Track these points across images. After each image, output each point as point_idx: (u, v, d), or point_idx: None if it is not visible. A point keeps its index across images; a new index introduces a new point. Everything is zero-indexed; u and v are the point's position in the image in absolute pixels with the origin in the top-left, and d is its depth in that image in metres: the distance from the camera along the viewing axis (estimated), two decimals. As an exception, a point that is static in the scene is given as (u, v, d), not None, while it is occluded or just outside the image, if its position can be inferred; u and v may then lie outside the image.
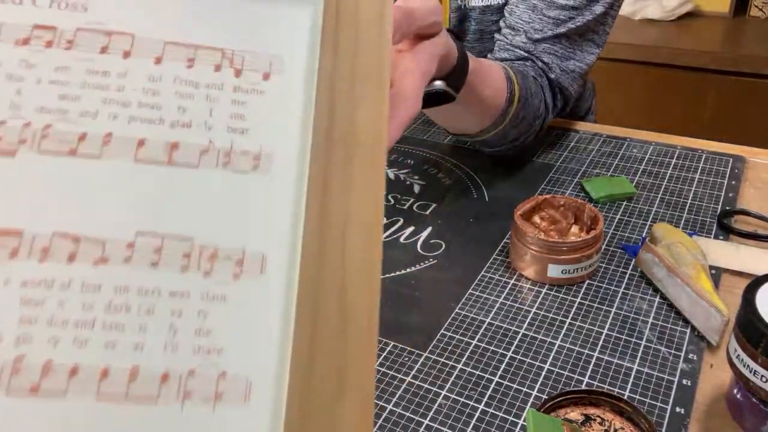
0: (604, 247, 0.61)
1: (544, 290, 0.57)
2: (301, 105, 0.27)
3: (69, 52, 0.26)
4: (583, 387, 0.47)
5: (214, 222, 0.25)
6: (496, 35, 0.77)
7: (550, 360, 0.49)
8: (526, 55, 0.73)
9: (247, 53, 0.27)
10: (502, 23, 0.76)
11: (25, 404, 0.22)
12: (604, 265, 0.59)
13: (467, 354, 0.50)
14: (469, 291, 0.57)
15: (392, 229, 0.67)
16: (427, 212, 0.69)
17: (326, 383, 0.23)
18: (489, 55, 0.76)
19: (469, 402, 0.46)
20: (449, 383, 0.48)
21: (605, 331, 0.52)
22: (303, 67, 0.27)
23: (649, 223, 0.65)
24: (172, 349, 0.23)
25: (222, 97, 0.26)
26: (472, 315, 0.54)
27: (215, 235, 0.24)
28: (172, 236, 0.24)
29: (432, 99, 0.57)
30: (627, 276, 0.58)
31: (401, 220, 0.68)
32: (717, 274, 0.57)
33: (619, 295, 0.56)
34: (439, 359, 0.50)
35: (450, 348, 0.51)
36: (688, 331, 0.51)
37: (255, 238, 0.25)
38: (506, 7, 0.76)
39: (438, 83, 0.55)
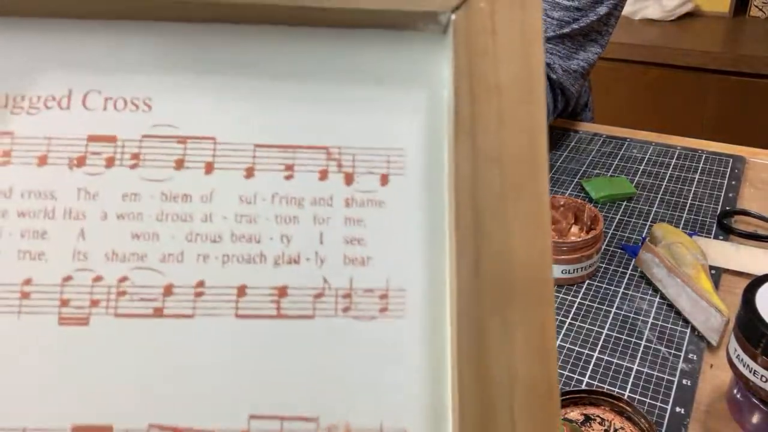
0: (604, 247, 0.61)
1: (544, 290, 0.57)
2: (433, 219, 0.20)
3: (136, 170, 0.20)
4: (583, 387, 0.47)
5: (341, 392, 0.19)
6: None
7: (550, 360, 0.49)
8: None
9: (357, 149, 0.21)
10: None
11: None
12: (604, 265, 0.59)
13: (467, 354, 0.50)
14: (469, 291, 0.57)
15: (392, 229, 0.66)
16: (427, 212, 0.69)
17: None
18: None
19: (469, 402, 0.46)
20: (449, 383, 0.48)
21: (605, 331, 0.52)
22: (430, 166, 0.21)
23: (649, 223, 0.65)
24: None
25: (333, 216, 0.20)
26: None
27: (345, 412, 0.19)
28: (293, 418, 0.19)
29: None
30: (627, 276, 0.58)
31: (401, 220, 0.68)
32: (717, 274, 0.57)
33: (619, 295, 0.56)
34: (439, 359, 0.50)
35: (450, 348, 0.51)
36: (688, 331, 0.51)
37: (396, 410, 0.19)
38: None
39: None
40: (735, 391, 0.44)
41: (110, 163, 0.20)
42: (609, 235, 0.64)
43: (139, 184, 0.20)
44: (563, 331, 0.52)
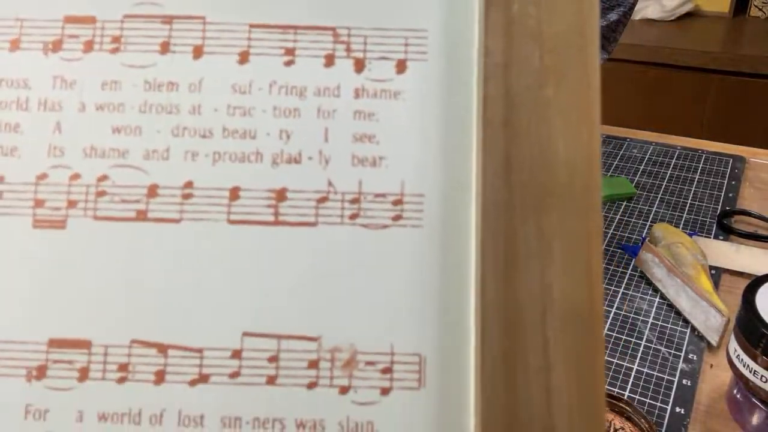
0: (604, 247, 0.61)
1: (544, 290, 0.57)
2: (458, 113, 0.17)
3: (117, 55, 0.18)
4: (583, 387, 0.47)
5: (346, 310, 0.17)
6: None
7: (550, 360, 0.49)
8: None
9: (369, 31, 0.18)
10: None
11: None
12: (604, 265, 0.59)
13: (467, 354, 0.50)
14: (469, 291, 0.57)
15: (392, 229, 0.66)
16: (427, 212, 0.69)
17: None
18: None
19: (469, 402, 0.46)
20: (449, 383, 0.48)
21: (605, 331, 0.52)
22: (456, 49, 0.17)
23: (649, 223, 0.65)
24: None
25: (340, 109, 0.18)
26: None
27: (350, 331, 0.17)
28: (292, 336, 0.17)
29: None
30: (627, 276, 0.58)
31: (401, 220, 0.68)
32: (717, 274, 0.57)
33: (619, 295, 0.56)
34: (439, 359, 0.50)
35: (450, 348, 0.51)
36: (688, 331, 0.51)
37: (406, 332, 0.17)
38: None
39: None
40: (735, 391, 0.44)
41: (88, 47, 0.18)
42: (609, 235, 0.64)
43: (120, 70, 0.18)
44: (563, 331, 0.52)
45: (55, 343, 0.17)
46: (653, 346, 0.50)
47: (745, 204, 0.68)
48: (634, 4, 0.74)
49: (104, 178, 0.17)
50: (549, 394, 0.15)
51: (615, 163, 0.76)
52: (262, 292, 0.17)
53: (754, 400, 0.41)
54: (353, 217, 0.17)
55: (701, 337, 0.50)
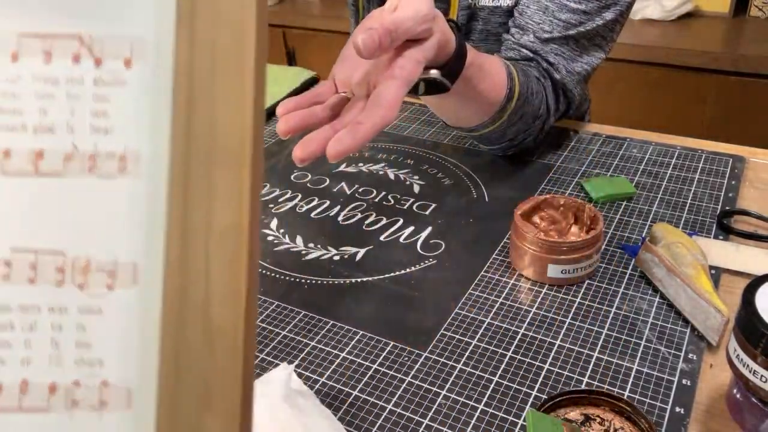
0: (604, 247, 0.61)
1: (543, 290, 0.57)
2: (162, 98, 0.25)
3: None
4: (583, 387, 0.47)
5: (85, 233, 0.25)
6: (504, 35, 0.77)
7: (550, 360, 0.49)
8: (531, 55, 0.73)
9: (106, 37, 0.25)
10: (510, 23, 0.77)
11: None
12: (604, 265, 0.59)
13: (467, 354, 0.50)
14: (469, 291, 0.57)
15: (392, 229, 0.67)
16: (427, 212, 0.69)
17: (192, 398, 0.24)
18: (496, 55, 0.76)
19: (468, 402, 0.46)
20: (449, 383, 0.48)
21: (605, 331, 0.52)
22: (161, 52, 0.25)
23: (649, 223, 0.65)
24: (56, 362, 0.24)
25: (83, 94, 0.25)
26: (471, 315, 0.54)
27: (87, 247, 0.25)
28: (46, 251, 0.24)
29: (426, 87, 0.57)
30: (627, 276, 0.58)
31: (401, 220, 0.68)
32: (717, 274, 0.57)
33: (619, 295, 0.56)
34: (439, 359, 0.50)
35: (450, 348, 0.51)
36: (688, 331, 0.51)
37: (126, 247, 0.25)
38: (516, 7, 0.76)
39: (433, 72, 0.55)
40: (735, 391, 0.44)
41: None
42: (609, 235, 0.64)
43: None
44: (563, 331, 0.52)
45: None
46: (653, 346, 0.50)
47: (745, 204, 0.68)
48: (631, 3, 0.74)
49: None
50: (207, 283, 0.24)
51: (615, 163, 0.76)
52: (25, 220, 0.25)
53: (754, 400, 0.41)
54: (90, 169, 0.25)
55: (701, 337, 0.50)
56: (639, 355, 0.49)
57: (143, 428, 0.24)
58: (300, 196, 0.73)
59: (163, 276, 0.24)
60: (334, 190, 0.74)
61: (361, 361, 0.50)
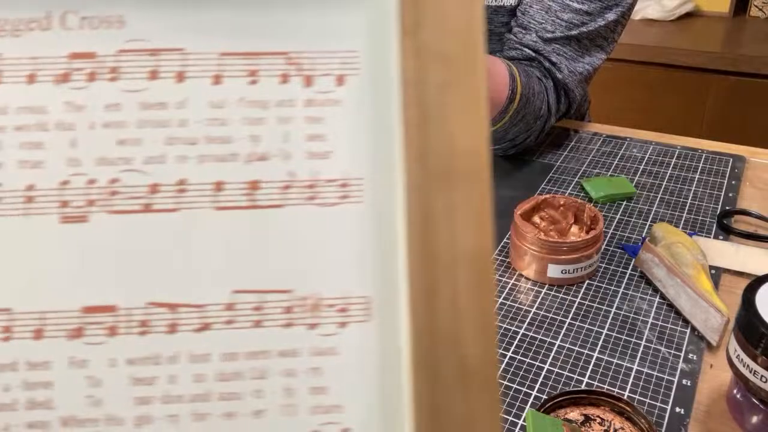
0: (604, 247, 0.61)
1: (544, 290, 0.57)
2: (386, 115, 0.23)
3: (115, 83, 0.22)
4: (583, 387, 0.47)
5: (310, 267, 0.22)
6: (506, 34, 0.77)
7: (550, 360, 0.49)
8: (533, 54, 0.73)
9: (314, 53, 0.23)
10: (513, 23, 0.77)
11: None
12: (604, 265, 0.59)
13: (467, 354, 0.50)
14: (469, 291, 0.57)
15: (392, 229, 0.66)
16: (427, 212, 0.69)
17: None
18: (497, 55, 0.76)
19: (469, 402, 0.46)
20: (449, 383, 0.48)
21: (605, 331, 0.52)
22: (379, 66, 0.23)
23: (649, 223, 0.65)
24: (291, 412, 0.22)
25: (295, 116, 0.23)
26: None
27: (314, 283, 0.22)
28: (270, 291, 0.22)
29: None
30: (627, 276, 0.58)
31: (401, 220, 0.68)
32: (717, 274, 0.57)
33: (619, 295, 0.56)
34: (439, 359, 0.50)
35: (450, 348, 0.51)
36: (688, 331, 0.51)
37: (357, 280, 0.22)
38: (519, 7, 0.76)
39: None
40: (735, 391, 0.44)
41: (92, 77, 0.22)
42: (609, 235, 0.64)
43: (119, 95, 0.22)
44: (563, 331, 0.52)
45: (88, 310, 0.22)
46: (653, 346, 0.50)
47: (745, 204, 0.68)
48: (632, 4, 0.74)
49: (115, 180, 0.22)
50: (457, 314, 0.21)
51: (615, 162, 0.76)
52: (244, 259, 0.22)
53: (754, 400, 0.41)
54: (311, 198, 0.23)
55: (701, 337, 0.50)
56: (639, 355, 0.49)
57: None
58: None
59: (407, 309, 0.21)
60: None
61: (361, 361, 0.50)
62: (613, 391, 0.46)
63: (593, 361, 0.49)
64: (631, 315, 0.53)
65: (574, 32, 0.72)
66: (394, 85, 0.22)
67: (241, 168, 0.22)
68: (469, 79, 0.22)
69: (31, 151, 0.22)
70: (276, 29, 0.23)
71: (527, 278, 0.58)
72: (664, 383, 0.47)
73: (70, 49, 0.22)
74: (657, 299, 0.55)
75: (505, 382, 0.47)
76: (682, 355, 0.49)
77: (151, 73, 0.22)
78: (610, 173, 0.74)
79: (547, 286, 0.57)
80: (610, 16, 0.72)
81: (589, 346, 0.50)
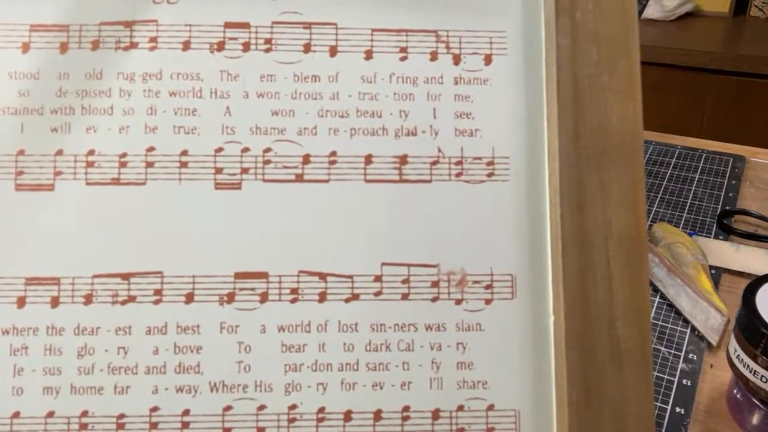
0: (604, 247, 0.61)
1: (544, 290, 0.57)
2: (536, 95, 0.23)
3: (270, 54, 0.23)
4: (583, 387, 0.47)
5: (457, 243, 0.22)
6: None
7: (550, 360, 0.49)
8: None
9: (463, 32, 0.23)
10: None
11: None
12: (604, 265, 0.59)
13: (467, 354, 0.50)
14: (469, 291, 0.57)
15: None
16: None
17: (607, 427, 0.20)
18: None
19: (468, 402, 0.46)
20: (449, 383, 0.48)
21: (605, 331, 0.52)
22: (530, 45, 0.23)
23: (649, 222, 0.65)
24: (437, 385, 0.22)
25: (444, 93, 0.23)
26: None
27: (460, 259, 0.22)
28: (418, 264, 0.22)
29: None
30: (627, 276, 0.58)
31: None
32: (717, 274, 0.57)
33: (619, 295, 0.56)
34: (439, 359, 0.50)
35: (450, 348, 0.51)
36: (688, 331, 0.51)
37: (502, 257, 0.22)
38: None
39: None
40: (735, 391, 0.43)
41: (246, 47, 0.23)
42: (609, 235, 0.63)
43: (273, 66, 0.23)
44: (563, 331, 0.52)
45: (240, 275, 0.22)
46: (653, 346, 0.50)
47: (745, 204, 0.68)
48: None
49: (268, 149, 0.23)
50: (611, 295, 0.21)
51: (615, 163, 0.76)
52: (393, 232, 0.22)
53: (754, 400, 0.41)
54: (458, 175, 0.23)
55: (701, 337, 0.50)
56: (639, 355, 0.49)
57: None
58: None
59: (559, 288, 0.21)
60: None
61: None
62: (613, 391, 0.46)
63: (593, 361, 0.49)
64: (631, 315, 0.53)
65: None
66: (547, 65, 0.22)
67: (391, 142, 0.23)
68: (624, 60, 0.22)
69: (186, 117, 0.22)
70: (426, 6, 0.23)
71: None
72: (664, 383, 0.47)
73: (224, 18, 0.23)
74: (657, 299, 0.55)
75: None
76: (682, 355, 0.49)
77: (305, 46, 0.23)
78: (610, 173, 0.74)
79: (547, 286, 0.57)
80: None
81: (589, 346, 0.50)
